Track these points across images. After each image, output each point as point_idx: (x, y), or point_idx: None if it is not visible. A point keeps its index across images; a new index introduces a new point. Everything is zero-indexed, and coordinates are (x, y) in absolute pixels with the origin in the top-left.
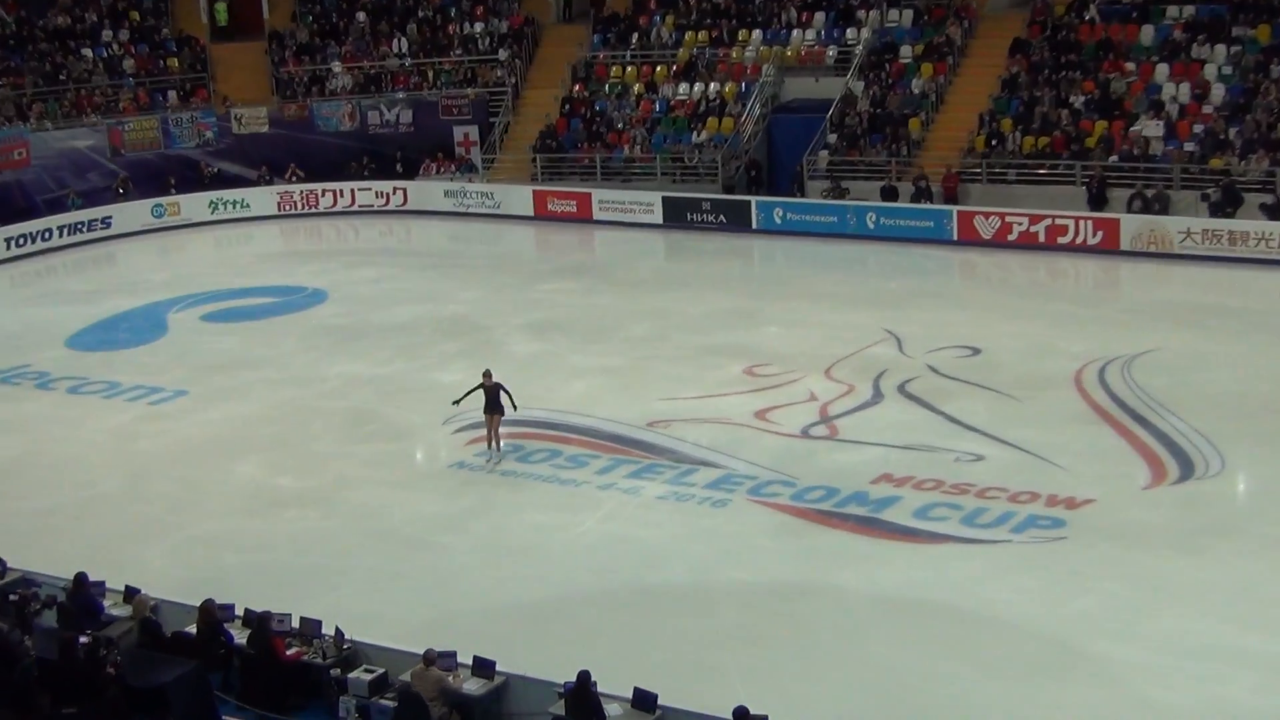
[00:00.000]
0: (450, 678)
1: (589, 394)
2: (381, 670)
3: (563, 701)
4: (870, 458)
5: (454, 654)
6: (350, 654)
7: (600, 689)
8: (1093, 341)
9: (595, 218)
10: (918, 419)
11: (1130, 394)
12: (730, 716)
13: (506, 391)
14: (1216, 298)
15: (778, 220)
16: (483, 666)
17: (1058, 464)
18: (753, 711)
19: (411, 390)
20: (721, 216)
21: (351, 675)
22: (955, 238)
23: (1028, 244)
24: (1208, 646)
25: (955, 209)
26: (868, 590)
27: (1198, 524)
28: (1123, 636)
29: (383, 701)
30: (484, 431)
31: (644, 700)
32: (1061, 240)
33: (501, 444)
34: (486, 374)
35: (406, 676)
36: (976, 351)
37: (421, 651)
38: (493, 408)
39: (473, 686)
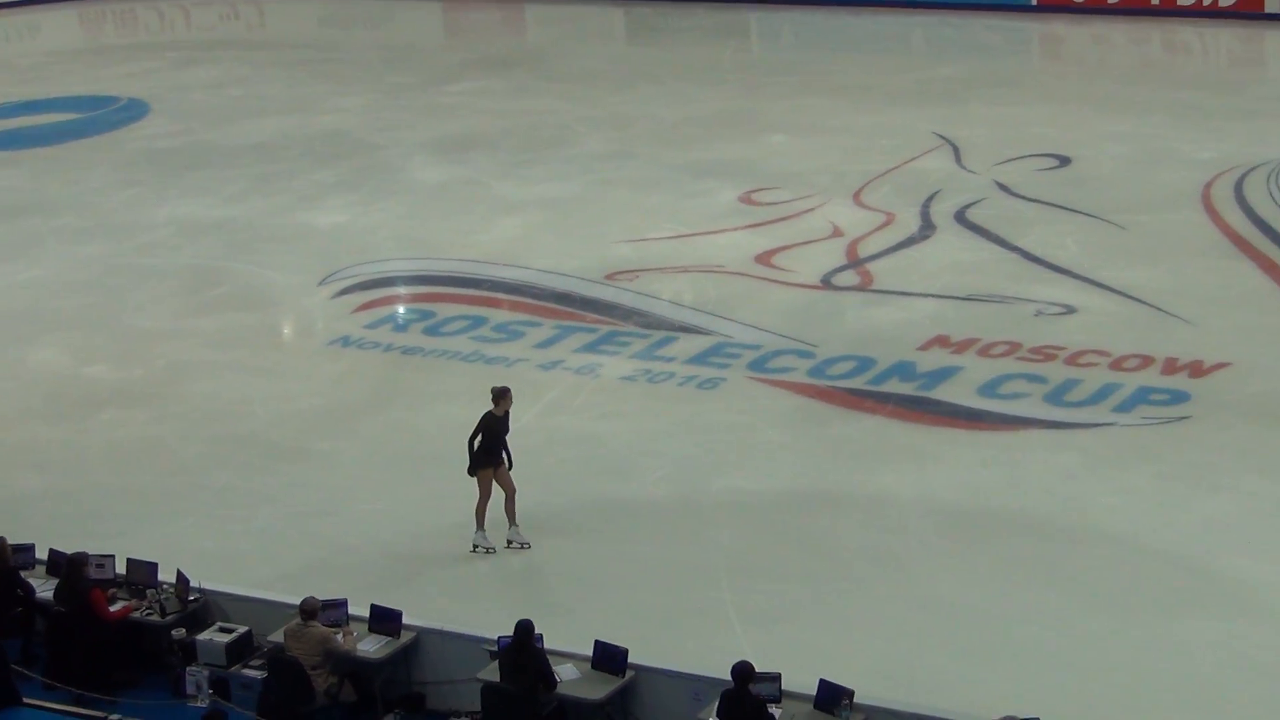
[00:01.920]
0: (339, 636)
1: (524, 237)
2: (243, 629)
3: (495, 664)
4: (918, 315)
5: (344, 603)
6: (199, 608)
7: (548, 645)
8: (1228, 143)
9: None
10: (984, 258)
11: None
12: (729, 676)
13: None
14: None
15: None
16: (384, 619)
17: (1179, 315)
18: (761, 669)
19: (274, 239)
20: None
21: (202, 637)
22: (1034, 2)
23: (1135, 8)
24: None
25: None
26: (917, 497)
27: None
28: (1270, 551)
29: (246, 672)
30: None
31: (609, 658)
32: (1183, 2)
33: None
34: (501, 395)
35: (279, 636)
36: (1065, 162)
37: (298, 601)
38: (493, 453)
39: (370, 647)
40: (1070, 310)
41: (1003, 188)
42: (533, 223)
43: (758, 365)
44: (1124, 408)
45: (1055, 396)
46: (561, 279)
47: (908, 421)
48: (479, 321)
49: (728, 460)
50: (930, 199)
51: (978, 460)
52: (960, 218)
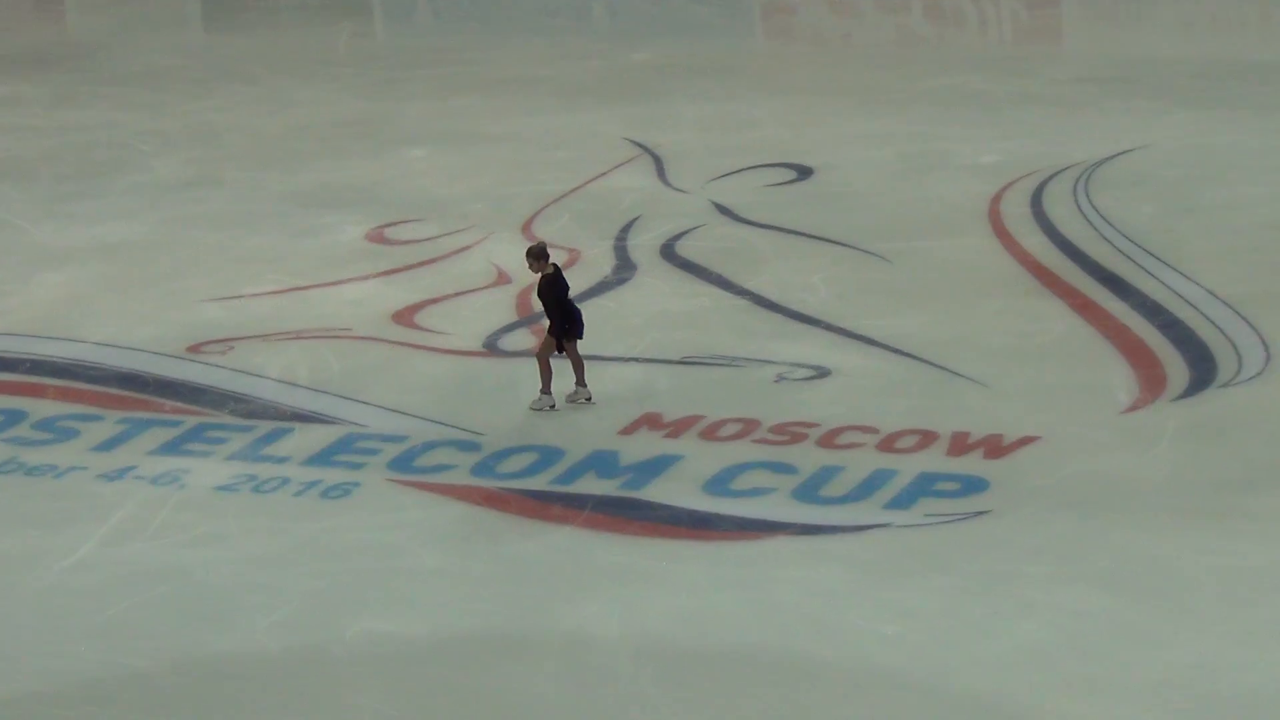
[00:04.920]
0: None
1: (74, 298)
2: None
3: None
4: (619, 387)
5: None
6: None
7: None
8: (1019, 140)
9: None
10: (703, 307)
11: (1093, 235)
12: None
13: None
14: (1234, 47)
15: None
16: None
17: (967, 375)
18: None
19: None
20: None
21: None
22: None
23: None
24: (1256, 691)
25: None
26: (627, 635)
27: (1230, 470)
28: (1101, 687)
29: None
30: None
31: None
32: None
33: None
34: (535, 255)
35: None
36: (805, 174)
37: None
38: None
39: None
40: (823, 373)
41: (723, 210)
42: (86, 278)
43: (403, 463)
44: (900, 503)
45: (808, 491)
46: (128, 354)
47: (611, 532)
48: (16, 417)
49: (367, 596)
50: (627, 229)
51: (707, 581)
52: (668, 253)
